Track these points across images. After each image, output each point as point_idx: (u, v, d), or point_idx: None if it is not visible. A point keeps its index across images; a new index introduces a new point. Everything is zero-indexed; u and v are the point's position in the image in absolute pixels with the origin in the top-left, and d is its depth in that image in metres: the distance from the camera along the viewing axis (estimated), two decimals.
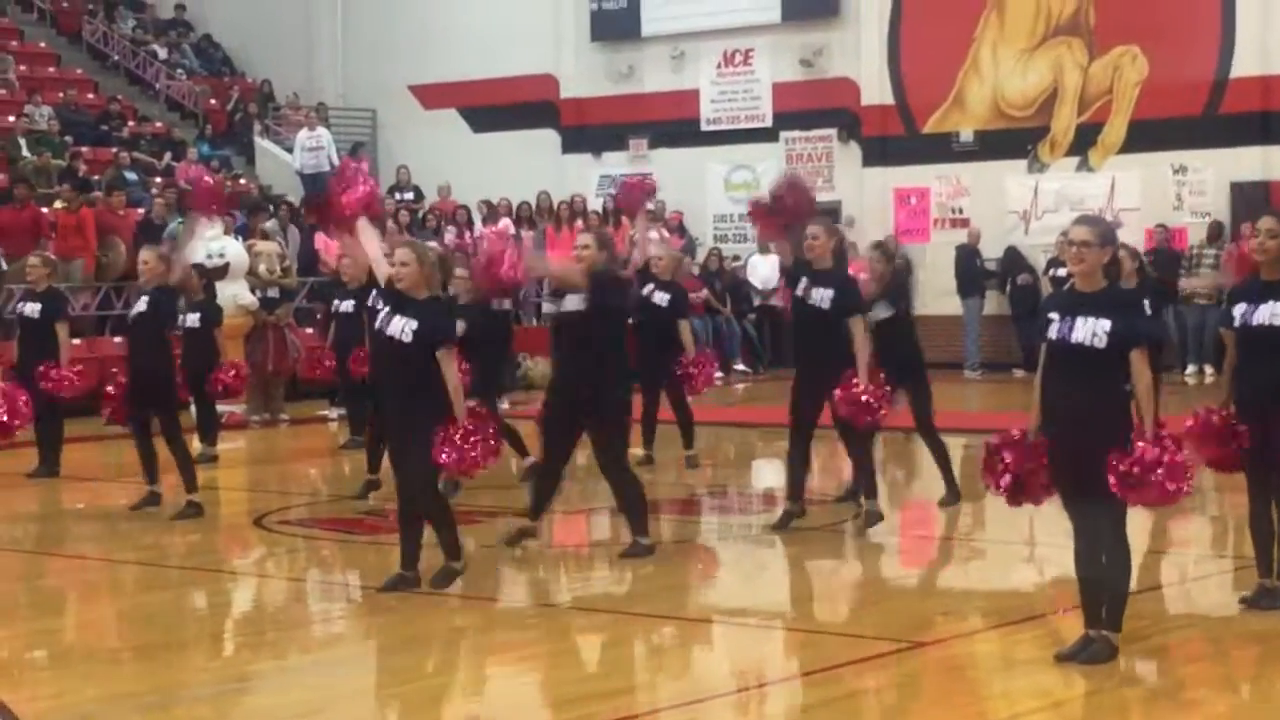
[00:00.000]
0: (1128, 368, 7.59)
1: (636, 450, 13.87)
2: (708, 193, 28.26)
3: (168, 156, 27.34)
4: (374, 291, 13.10)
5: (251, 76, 31.82)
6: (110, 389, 13.09)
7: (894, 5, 26.46)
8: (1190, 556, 11.23)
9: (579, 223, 26.31)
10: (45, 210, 21.96)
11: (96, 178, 24.53)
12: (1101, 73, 25.08)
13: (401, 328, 9.25)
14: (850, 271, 11.65)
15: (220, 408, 16.88)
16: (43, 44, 31.04)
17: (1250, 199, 23.07)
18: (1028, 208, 25.39)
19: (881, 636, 8.65)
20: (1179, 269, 23.62)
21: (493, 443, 9.22)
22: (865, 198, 26.85)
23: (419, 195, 27.89)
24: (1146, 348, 7.65)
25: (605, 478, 10.69)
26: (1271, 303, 8.44)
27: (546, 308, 10.81)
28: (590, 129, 29.23)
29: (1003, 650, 8.33)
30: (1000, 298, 24.92)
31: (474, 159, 28.89)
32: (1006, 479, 7.68)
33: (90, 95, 29.30)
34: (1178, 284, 21.94)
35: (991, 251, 25.22)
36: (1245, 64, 23.83)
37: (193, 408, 15.76)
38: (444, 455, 9.10)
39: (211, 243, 19.20)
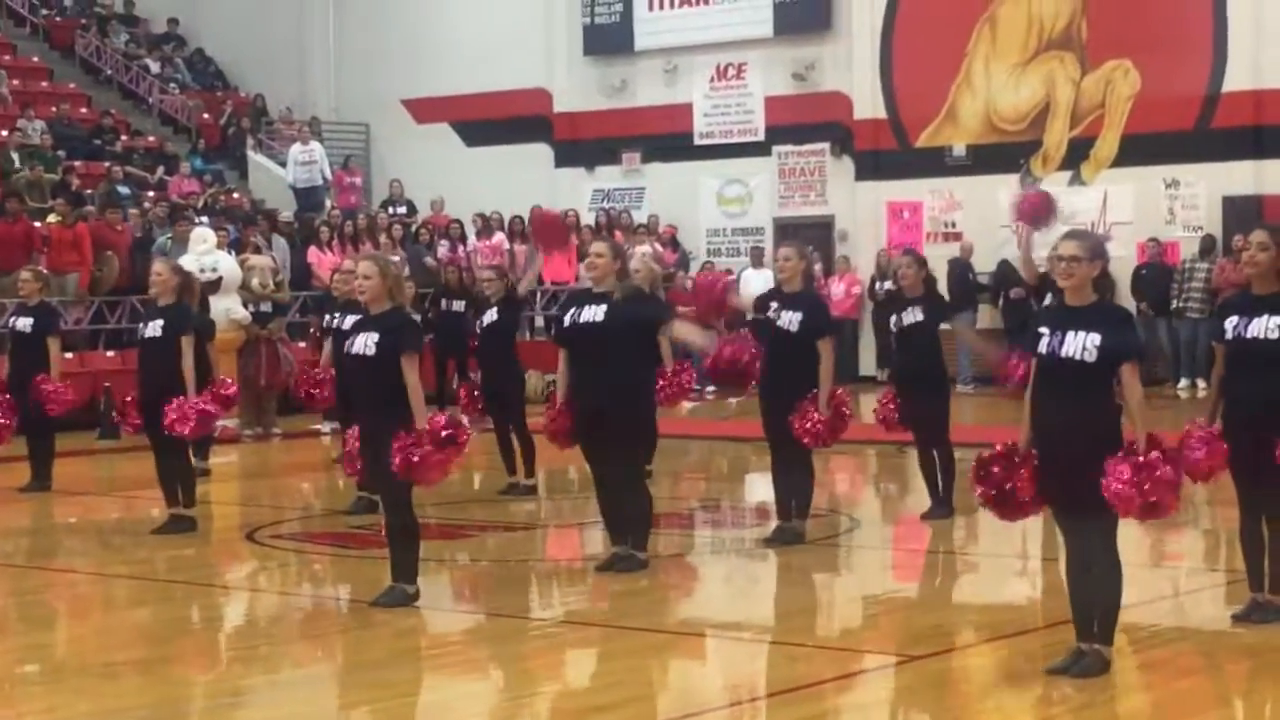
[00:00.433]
0: (1118, 382, 7.59)
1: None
2: (700, 207, 28.29)
3: (160, 171, 27.34)
4: (337, 310, 13.13)
5: (244, 91, 31.84)
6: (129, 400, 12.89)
7: (886, 19, 26.51)
8: (1183, 570, 11.24)
9: (573, 237, 26.32)
10: (38, 224, 21.95)
11: (89, 192, 24.53)
12: (1094, 87, 25.13)
13: (365, 343, 9.30)
14: (821, 291, 11.80)
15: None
16: (35, 58, 31.05)
17: (1242, 213, 23.11)
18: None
19: (874, 650, 8.66)
20: (1171, 283, 23.68)
21: (445, 456, 9.20)
22: (858, 212, 26.88)
23: (412, 209, 27.90)
24: (1137, 362, 7.66)
25: (614, 486, 10.60)
26: (1266, 316, 8.44)
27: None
28: (583, 143, 29.26)
29: (995, 664, 8.33)
30: (993, 311, 24.94)
31: (467, 173, 28.92)
32: (995, 493, 7.68)
33: (83, 109, 29.32)
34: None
35: (984, 265, 25.23)
36: (1237, 78, 23.88)
37: None
38: (396, 462, 9.11)
39: (204, 257, 19.21)
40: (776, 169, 27.65)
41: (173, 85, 31.14)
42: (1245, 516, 8.68)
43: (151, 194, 25.63)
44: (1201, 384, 22.32)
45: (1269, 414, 8.36)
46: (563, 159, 29.48)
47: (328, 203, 27.27)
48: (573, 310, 10.54)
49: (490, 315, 14.20)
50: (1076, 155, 25.27)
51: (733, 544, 12.51)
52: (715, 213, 28.27)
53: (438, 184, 28.13)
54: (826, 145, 27.21)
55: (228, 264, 20.04)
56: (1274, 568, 8.66)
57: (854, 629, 9.56)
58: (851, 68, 26.83)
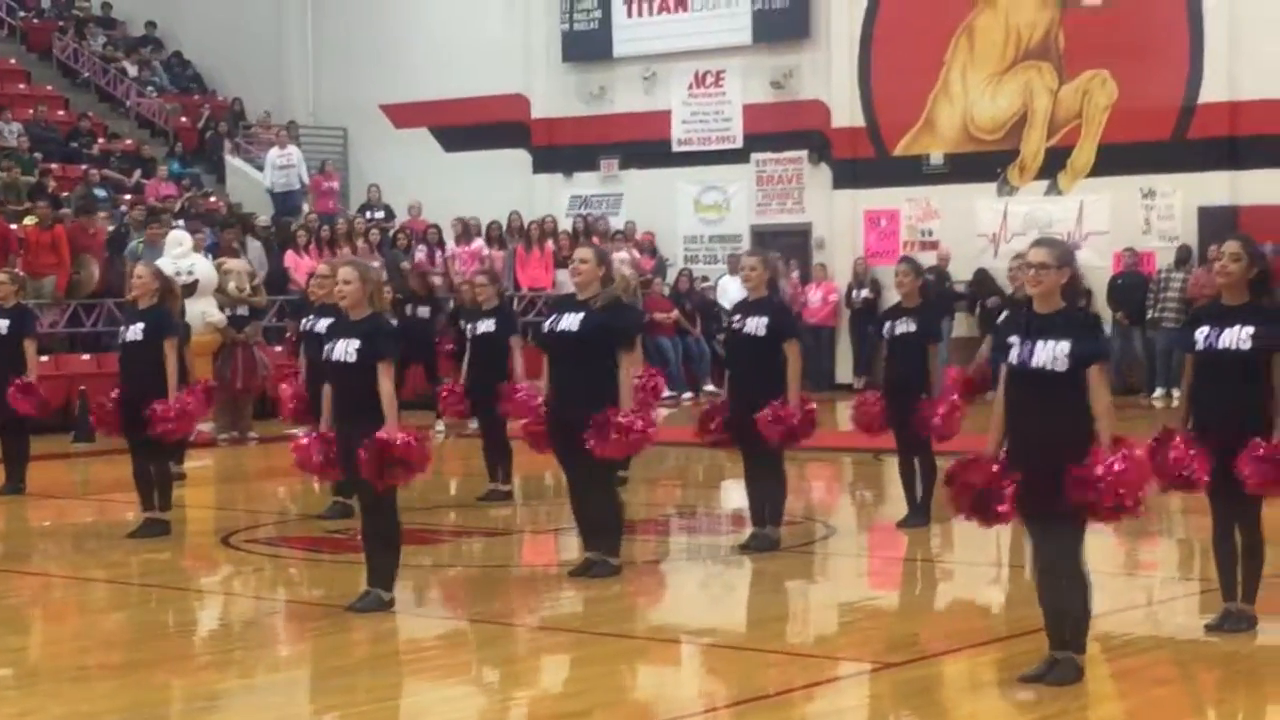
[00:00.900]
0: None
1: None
2: (678, 213, 28.29)
3: (138, 174, 27.28)
4: (312, 314, 13.10)
5: (222, 94, 31.79)
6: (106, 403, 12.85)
7: (865, 28, 26.55)
8: (1156, 579, 11.28)
9: (549, 243, 26.34)
10: (14, 227, 21.89)
11: (66, 194, 24.46)
12: (1071, 97, 25.21)
13: (345, 349, 9.32)
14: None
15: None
16: (12, 60, 30.96)
17: (1218, 224, 23.17)
18: (997, 230, 25.49)
19: (849, 658, 8.67)
20: (1147, 293, 23.74)
21: (410, 464, 9.21)
22: (835, 220, 26.92)
23: (390, 214, 27.87)
24: (1104, 365, 7.67)
25: (586, 492, 10.62)
26: (1237, 326, 8.47)
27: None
28: (561, 149, 29.26)
29: (970, 672, 8.35)
30: (970, 319, 24.98)
31: (445, 178, 28.90)
32: (973, 500, 7.69)
33: (60, 112, 29.24)
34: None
35: (961, 274, 25.29)
36: (1213, 89, 23.96)
37: None
38: (362, 468, 9.12)
39: (180, 260, 19.17)
40: (754, 176, 27.67)
41: (150, 88, 31.07)
42: (1217, 526, 8.71)
43: (129, 197, 25.58)
44: (1176, 393, 22.37)
45: (1239, 424, 8.39)
46: (541, 165, 29.47)
47: (305, 207, 27.24)
48: (553, 317, 10.60)
49: (486, 324, 14.19)
50: (1053, 165, 25.34)
51: (708, 550, 12.52)
52: (693, 220, 28.28)
53: (415, 189, 28.10)
54: (804, 153, 27.24)
55: (204, 267, 20.00)
56: (1246, 577, 8.69)
57: (829, 636, 9.58)
58: (830, 76, 26.87)
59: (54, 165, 26.07)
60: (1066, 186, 25.25)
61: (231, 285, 20.49)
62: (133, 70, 31.36)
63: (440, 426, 18.64)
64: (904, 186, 26.23)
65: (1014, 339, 7.70)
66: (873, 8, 26.43)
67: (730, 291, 26.09)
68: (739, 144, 27.81)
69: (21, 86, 29.92)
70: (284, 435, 19.34)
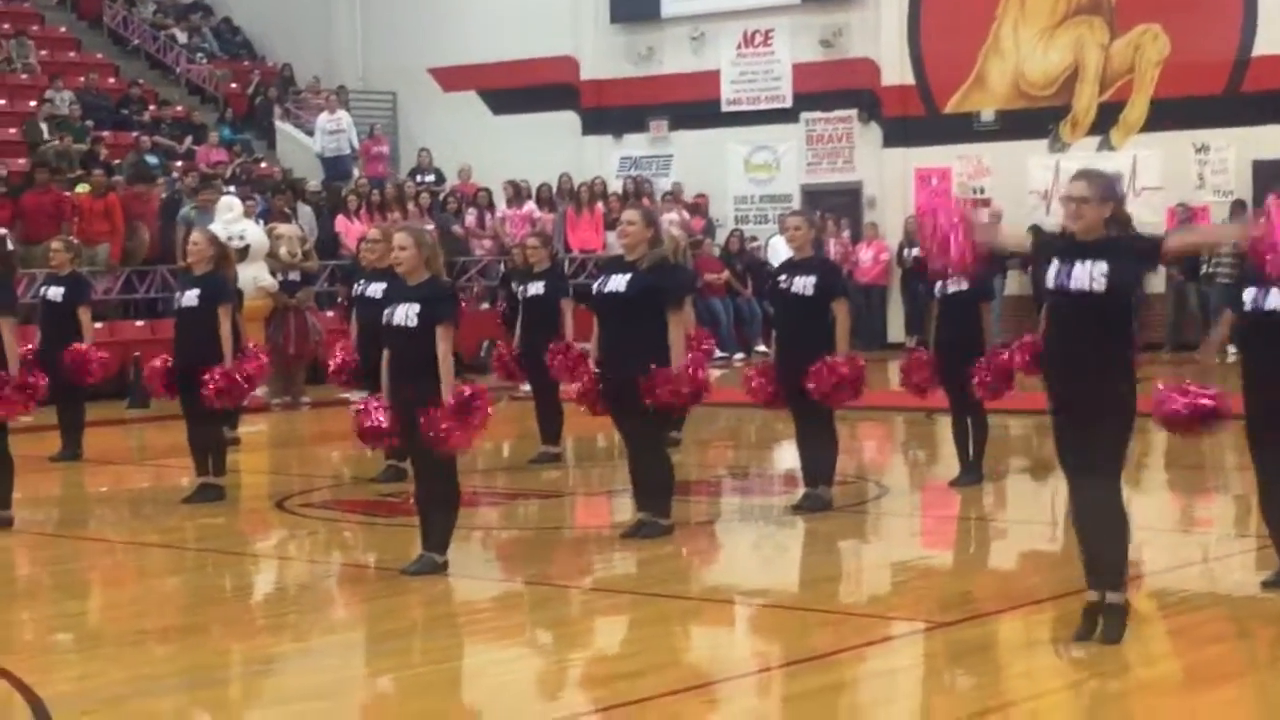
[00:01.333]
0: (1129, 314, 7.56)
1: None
2: (728, 174, 28.24)
3: (188, 140, 27.38)
4: (363, 278, 13.12)
5: (272, 60, 31.85)
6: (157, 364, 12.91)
7: None
8: (1212, 536, 11.22)
9: (599, 205, 26.33)
10: (67, 194, 22.01)
11: (118, 161, 24.58)
12: (1123, 51, 25.02)
13: (406, 314, 9.33)
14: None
15: None
16: (63, 29, 31.09)
17: (1272, 177, 22.97)
18: (1049, 187, 25.31)
19: (902, 617, 8.66)
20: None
21: (470, 427, 9.23)
22: (886, 178, 26.82)
23: (440, 178, 27.91)
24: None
25: (637, 453, 10.65)
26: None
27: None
28: (610, 110, 29.22)
29: (1025, 630, 8.33)
30: (1022, 278, 24.85)
31: (494, 141, 28.90)
32: (937, 240, 7.74)
33: (111, 80, 29.35)
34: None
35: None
36: (1267, 42, 23.76)
37: None
38: (423, 432, 9.15)
39: (231, 225, 19.23)
40: (804, 136, 27.58)
41: (200, 55, 31.15)
42: (1263, 485, 8.61)
43: (180, 164, 25.69)
44: (1231, 349, 22.20)
45: None
46: (590, 127, 29.44)
47: (355, 172, 27.30)
48: (601, 278, 10.62)
49: (536, 287, 14.23)
50: (1105, 120, 25.17)
51: (760, 511, 12.52)
52: (743, 180, 28.22)
53: (465, 152, 28.11)
54: (854, 112, 27.13)
55: (255, 232, 20.06)
56: None
57: (882, 595, 9.57)
58: (879, 34, 26.74)
59: (105, 133, 26.19)
60: (1119, 142, 25.09)
61: (283, 250, 20.55)
62: (182, 37, 31.44)
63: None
64: (955, 144, 26.10)
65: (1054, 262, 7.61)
66: None
67: (780, 251, 25.99)
68: (788, 103, 27.72)
69: (72, 54, 30.05)
70: (337, 400, 19.46)
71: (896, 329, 26.18)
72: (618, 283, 10.42)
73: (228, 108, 29.91)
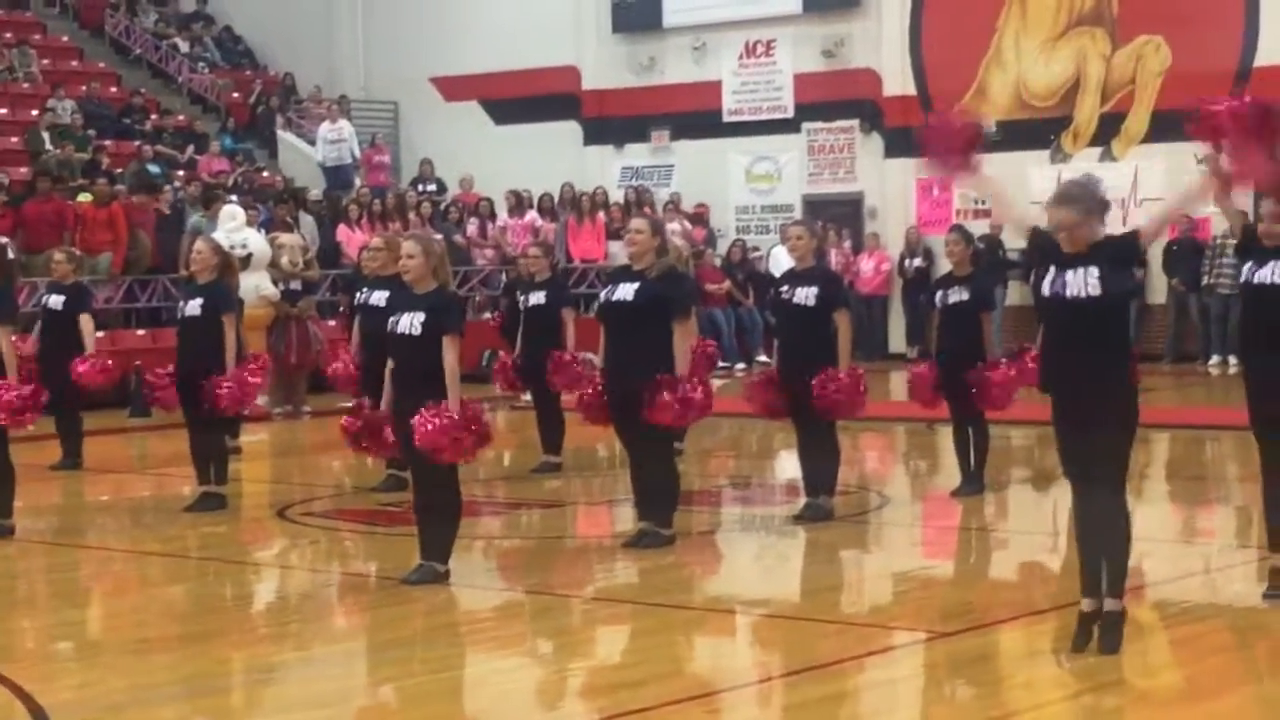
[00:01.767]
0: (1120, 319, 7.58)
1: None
2: (730, 184, 28.24)
3: (190, 149, 27.40)
4: (366, 287, 13.13)
5: (273, 69, 31.88)
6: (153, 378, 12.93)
7: None
8: (1214, 547, 11.20)
9: (600, 215, 26.34)
10: (69, 203, 22.03)
11: (120, 171, 24.60)
12: (1124, 62, 25.03)
13: (410, 322, 9.33)
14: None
15: None
16: (65, 38, 31.13)
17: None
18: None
19: (903, 627, 8.66)
20: (1202, 260, 23.57)
21: (472, 440, 9.23)
22: (887, 189, 26.82)
23: (441, 187, 27.92)
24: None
25: (643, 462, 10.64)
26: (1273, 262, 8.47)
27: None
28: (612, 120, 29.23)
29: (1026, 641, 8.32)
30: (1023, 288, 24.84)
31: (496, 151, 28.91)
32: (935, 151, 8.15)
33: (113, 89, 29.39)
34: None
35: (1014, 242, 25.13)
36: (1269, 53, 23.75)
37: None
38: (417, 435, 9.14)
39: (234, 234, 19.24)
40: (806, 146, 27.59)
41: (202, 64, 31.19)
42: (1267, 467, 8.61)
43: (181, 173, 25.71)
44: (1234, 360, 22.24)
45: None
46: (591, 137, 29.45)
47: (357, 181, 27.32)
48: (609, 287, 10.61)
49: (537, 296, 14.24)
50: (1107, 131, 25.18)
51: (762, 521, 12.52)
52: (744, 190, 28.22)
53: (466, 162, 28.12)
54: (856, 122, 27.14)
55: (257, 241, 20.08)
56: None
57: (883, 605, 9.56)
58: (881, 44, 26.76)
59: (107, 142, 26.20)
60: (1120, 153, 25.09)
61: (285, 260, 20.56)
62: (184, 46, 31.47)
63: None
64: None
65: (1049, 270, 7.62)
66: None
67: (782, 261, 26.01)
68: (790, 114, 27.73)
69: (74, 64, 30.09)
70: (338, 409, 19.45)
71: (898, 339, 26.18)
72: (625, 291, 10.43)
73: (229, 117, 29.94)
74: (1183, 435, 16.39)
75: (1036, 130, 25.52)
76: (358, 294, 13.75)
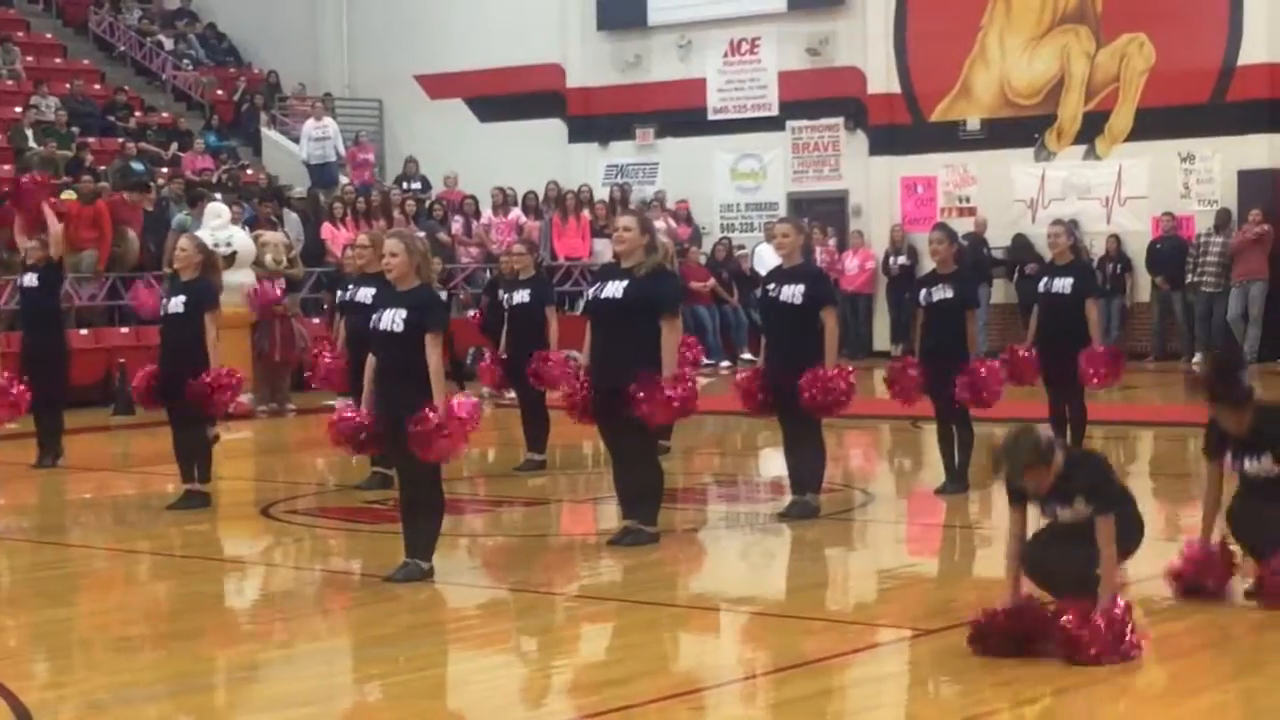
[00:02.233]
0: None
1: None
2: (715, 182, 28.25)
3: (174, 147, 27.36)
4: (351, 284, 13.10)
5: (258, 67, 31.84)
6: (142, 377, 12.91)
7: None
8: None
9: (585, 212, 26.33)
10: (53, 200, 21.95)
11: (103, 168, 24.55)
12: (1108, 60, 25.06)
13: (392, 319, 9.32)
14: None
15: None
16: (49, 35, 31.07)
17: (1257, 187, 23.06)
18: (1034, 196, 25.40)
19: (888, 624, 8.66)
20: (1186, 258, 23.62)
21: (456, 437, 9.22)
22: (872, 187, 26.85)
23: (426, 185, 27.90)
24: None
25: (626, 459, 10.62)
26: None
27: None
28: (597, 118, 29.23)
29: None
30: (1007, 286, 24.91)
31: (481, 148, 28.90)
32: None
33: (97, 86, 29.33)
34: None
35: (999, 240, 25.21)
36: (1253, 51, 23.80)
37: None
38: (410, 438, 9.14)
39: (218, 232, 19.22)
40: (790, 144, 27.60)
41: (186, 62, 31.13)
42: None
43: (165, 170, 25.67)
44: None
45: None
46: (576, 134, 29.44)
47: (341, 179, 27.29)
48: (597, 284, 10.59)
49: (521, 295, 14.23)
50: (1091, 129, 25.22)
51: (747, 518, 12.52)
52: (729, 188, 28.23)
53: (451, 160, 28.11)
54: (840, 120, 27.16)
55: (241, 239, 20.06)
56: None
57: (868, 603, 9.57)
58: (865, 42, 26.77)
59: (91, 139, 26.15)
60: (1104, 151, 25.13)
61: (269, 257, 20.55)
62: (168, 44, 31.43)
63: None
64: (941, 153, 26.14)
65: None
66: None
67: (767, 259, 26.01)
68: (774, 111, 27.75)
69: (58, 61, 30.02)
70: (322, 406, 19.43)
71: (882, 337, 26.20)
72: (614, 289, 10.40)
73: (214, 114, 29.89)
74: (1166, 432, 16.44)
75: (1021, 128, 25.56)
76: (342, 291, 13.72)
